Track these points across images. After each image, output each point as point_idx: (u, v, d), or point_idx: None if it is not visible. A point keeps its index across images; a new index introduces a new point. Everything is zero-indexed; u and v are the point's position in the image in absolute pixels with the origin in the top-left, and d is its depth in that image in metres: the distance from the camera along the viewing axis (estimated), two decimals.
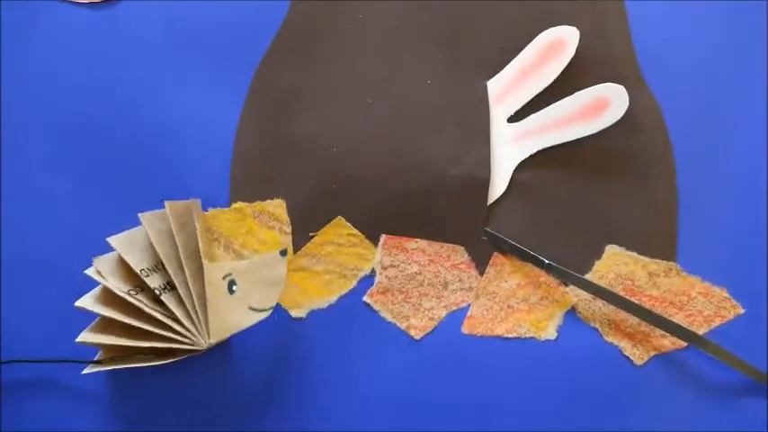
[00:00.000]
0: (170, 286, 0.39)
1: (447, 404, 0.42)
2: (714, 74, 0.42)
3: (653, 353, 0.42)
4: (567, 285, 0.43)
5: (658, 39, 0.43)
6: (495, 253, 0.43)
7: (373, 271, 0.43)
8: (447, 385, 0.42)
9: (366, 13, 0.44)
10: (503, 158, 0.43)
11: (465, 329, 0.43)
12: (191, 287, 0.38)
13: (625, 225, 0.42)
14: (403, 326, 0.43)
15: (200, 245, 0.39)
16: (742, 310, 0.42)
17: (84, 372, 0.39)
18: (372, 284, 0.43)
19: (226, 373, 0.43)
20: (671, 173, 0.42)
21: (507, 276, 0.43)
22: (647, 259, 0.42)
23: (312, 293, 0.43)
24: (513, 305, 0.43)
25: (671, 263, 0.42)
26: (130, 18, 0.45)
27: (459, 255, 0.43)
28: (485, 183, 0.42)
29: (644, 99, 0.42)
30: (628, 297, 0.42)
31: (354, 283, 0.43)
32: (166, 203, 0.39)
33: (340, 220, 0.43)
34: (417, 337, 0.43)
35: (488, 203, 0.43)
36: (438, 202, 0.43)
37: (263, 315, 0.40)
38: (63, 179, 0.44)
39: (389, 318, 0.43)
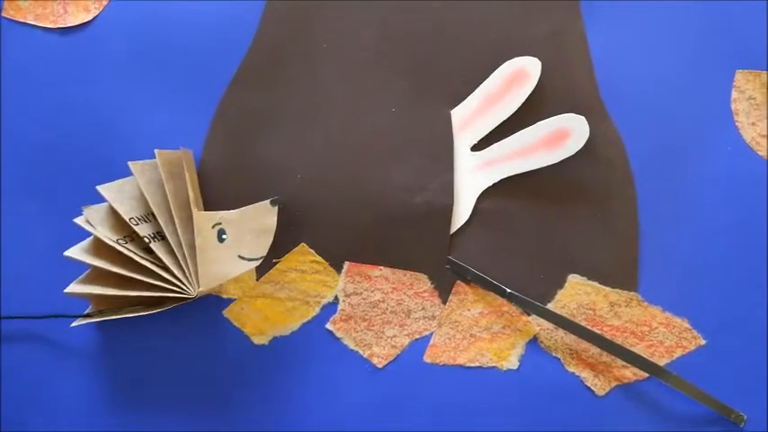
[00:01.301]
0: (160, 235, 0.39)
1: None
2: (674, 106, 0.43)
3: (614, 383, 0.42)
4: (529, 315, 0.42)
5: (620, 72, 0.43)
6: (458, 281, 0.43)
7: (336, 298, 0.43)
8: (409, 414, 0.42)
9: (332, 41, 0.44)
10: (466, 187, 0.43)
11: (427, 358, 0.43)
12: (180, 236, 0.38)
13: (587, 255, 0.42)
14: (365, 354, 0.43)
15: (191, 194, 0.39)
16: (703, 341, 0.42)
17: (72, 324, 0.40)
18: (335, 312, 0.43)
19: (187, 398, 0.43)
20: (632, 203, 0.42)
21: (470, 305, 0.43)
22: (608, 289, 0.42)
23: (275, 320, 0.43)
24: (475, 334, 0.43)
25: (632, 293, 0.42)
26: (98, 41, 0.45)
27: (423, 283, 0.43)
28: (448, 211, 0.42)
29: (606, 130, 0.42)
30: (589, 327, 0.42)
31: (317, 310, 0.43)
32: (157, 152, 0.39)
33: (303, 246, 0.43)
34: (380, 366, 0.43)
35: (452, 232, 0.43)
36: (401, 229, 0.43)
37: (253, 264, 0.40)
38: (31, 201, 0.44)
39: (352, 345, 0.43)
